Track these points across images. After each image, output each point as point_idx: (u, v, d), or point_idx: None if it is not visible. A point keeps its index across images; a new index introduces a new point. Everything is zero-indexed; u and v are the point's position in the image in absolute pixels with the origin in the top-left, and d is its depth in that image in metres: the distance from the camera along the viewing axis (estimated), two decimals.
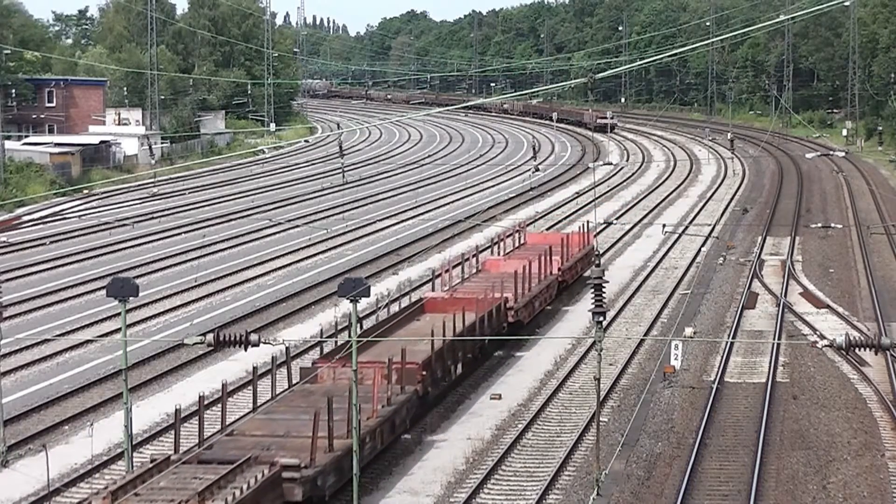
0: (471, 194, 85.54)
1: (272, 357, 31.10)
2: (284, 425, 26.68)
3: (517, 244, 51.45)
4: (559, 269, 45.94)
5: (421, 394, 30.66)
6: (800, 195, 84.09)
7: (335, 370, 30.60)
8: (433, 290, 42.05)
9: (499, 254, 49.69)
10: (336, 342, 33.12)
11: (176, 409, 26.06)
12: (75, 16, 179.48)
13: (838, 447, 30.18)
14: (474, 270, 45.98)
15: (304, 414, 26.31)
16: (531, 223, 69.14)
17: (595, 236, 56.61)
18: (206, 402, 28.29)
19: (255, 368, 29.53)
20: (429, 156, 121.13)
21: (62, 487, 26.48)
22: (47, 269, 55.45)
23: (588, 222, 55.78)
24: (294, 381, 30.96)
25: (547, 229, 64.89)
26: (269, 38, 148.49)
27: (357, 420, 24.94)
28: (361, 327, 34.49)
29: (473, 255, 47.57)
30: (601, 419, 28.27)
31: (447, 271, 42.81)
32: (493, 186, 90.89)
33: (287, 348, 31.34)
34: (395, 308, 39.61)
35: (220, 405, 27.81)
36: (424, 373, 30.81)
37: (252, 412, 28.29)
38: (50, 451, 26.47)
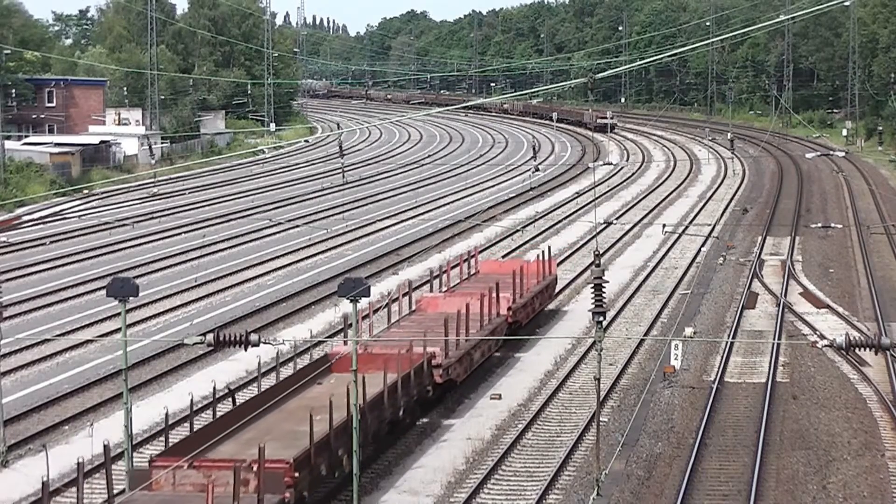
0: (471, 194, 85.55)
1: (78, 463, 22.25)
2: None
3: (468, 274, 44.44)
4: (509, 309, 38.46)
5: (292, 502, 22.76)
6: (800, 195, 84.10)
7: (176, 473, 22.84)
8: (345, 341, 33.93)
9: (441, 288, 41.78)
10: (192, 426, 26.06)
11: None
12: (75, 16, 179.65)
13: (838, 447, 30.17)
14: (407, 311, 38.64)
15: None
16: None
17: (559, 264, 49.85)
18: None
19: (44, 483, 21.47)
20: (429, 156, 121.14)
21: (62, 487, 26.46)
22: (47, 269, 55.45)
23: (549, 248, 47.70)
24: (117, 491, 23.33)
25: (505, 255, 56.85)
26: (269, 38, 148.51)
27: (357, 420, 24.89)
28: (234, 403, 28.52)
29: (405, 294, 39.69)
30: (601, 419, 28.26)
31: (366, 317, 34.54)
32: (493, 186, 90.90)
33: (106, 446, 23.30)
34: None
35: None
36: (298, 474, 23.01)
37: None
38: (50, 451, 26.45)
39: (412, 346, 31.31)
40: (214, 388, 28.10)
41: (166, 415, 26.42)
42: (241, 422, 25.89)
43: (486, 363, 37.37)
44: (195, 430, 25.39)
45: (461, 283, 42.73)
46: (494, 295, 37.43)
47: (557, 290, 47.50)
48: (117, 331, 33.08)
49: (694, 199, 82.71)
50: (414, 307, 38.96)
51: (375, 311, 36.19)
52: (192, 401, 27.62)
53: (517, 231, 66.18)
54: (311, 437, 23.84)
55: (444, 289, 41.59)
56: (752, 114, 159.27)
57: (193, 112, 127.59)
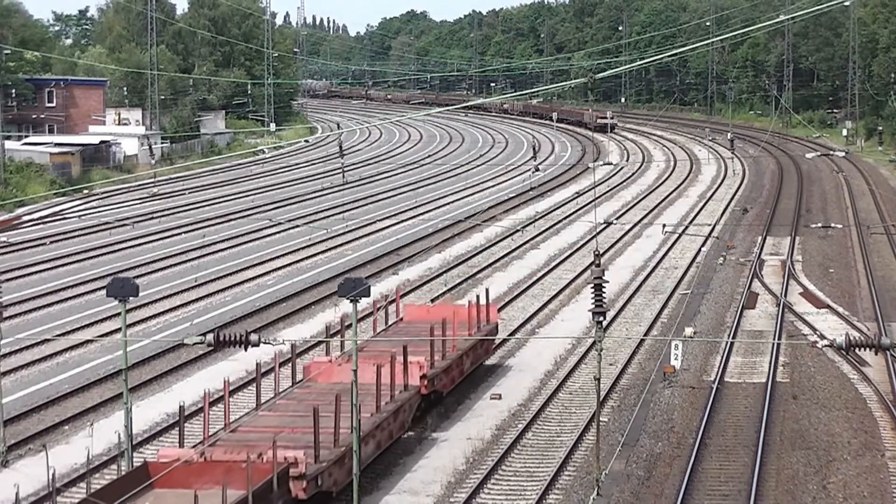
0: (471, 194, 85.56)
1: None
2: None
3: (386, 324, 36.63)
4: (423, 377, 30.27)
5: None
6: (800, 195, 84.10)
7: None
8: (181, 442, 25.43)
9: (342, 346, 33.27)
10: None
11: None
12: (75, 16, 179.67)
13: (838, 447, 30.18)
14: (290, 384, 30.34)
15: None
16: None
17: (499, 310, 40.98)
18: None
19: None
20: (429, 156, 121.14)
21: (62, 487, 26.46)
22: (47, 269, 55.44)
23: (487, 290, 39.06)
24: None
25: (438, 296, 48.05)
26: (269, 38, 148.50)
27: (358, 420, 24.88)
28: None
29: (283, 363, 30.53)
30: (601, 419, 28.26)
31: (216, 403, 28.40)
32: (493, 186, 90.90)
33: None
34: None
35: None
36: None
37: None
38: (50, 451, 26.44)
39: (273, 446, 23.32)
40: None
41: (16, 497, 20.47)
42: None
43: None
44: None
45: (374, 338, 34.35)
46: (403, 358, 29.56)
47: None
48: (117, 331, 33.09)
49: (694, 199, 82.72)
50: (301, 377, 30.75)
51: (232, 394, 30.47)
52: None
53: (517, 231, 66.18)
54: None
55: (347, 349, 32.55)
56: (752, 114, 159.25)
57: (193, 112, 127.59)
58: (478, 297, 36.66)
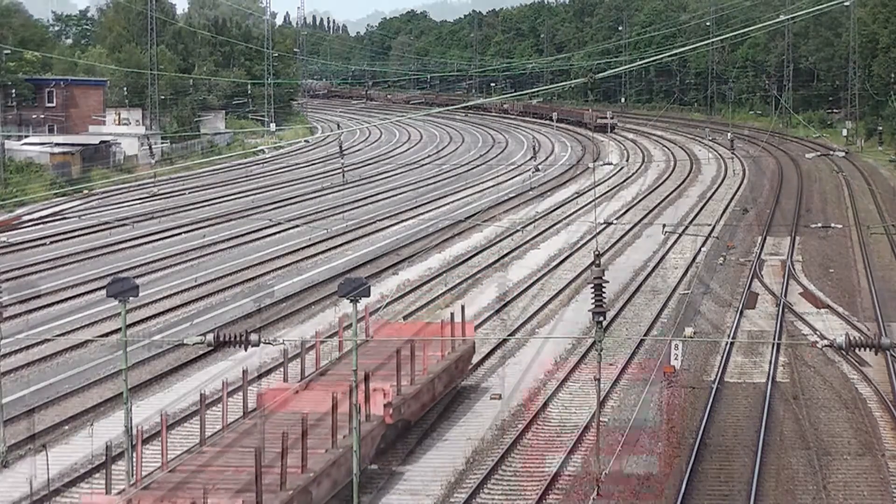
0: (471, 194, 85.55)
1: None
2: None
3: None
4: (388, 405, 27.49)
5: None
6: (800, 195, 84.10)
7: None
8: (108, 487, 22.58)
9: (304, 370, 30.33)
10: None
11: None
12: (75, 16, 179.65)
13: (838, 447, 30.18)
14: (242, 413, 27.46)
15: None
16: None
17: (476, 328, 39.16)
18: None
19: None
20: (429, 156, 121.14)
21: (62, 487, 26.46)
22: (47, 269, 55.43)
23: (463, 307, 36.19)
24: None
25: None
26: (269, 38, 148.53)
27: (357, 420, 24.87)
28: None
29: (234, 392, 29.18)
30: (601, 419, 28.25)
31: (142, 444, 24.31)
32: (493, 186, 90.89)
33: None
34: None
35: None
36: None
37: None
38: (50, 451, 26.42)
39: (189, 497, 20.75)
40: None
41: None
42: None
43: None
44: None
45: (339, 361, 31.34)
46: (365, 385, 26.47)
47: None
48: (117, 331, 33.08)
49: (694, 199, 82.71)
50: (255, 405, 27.78)
51: (172, 427, 28.36)
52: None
53: (517, 231, 66.18)
54: None
55: (314, 370, 30.64)
56: (752, 114, 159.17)
57: (193, 112, 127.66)
58: (452, 314, 34.58)
